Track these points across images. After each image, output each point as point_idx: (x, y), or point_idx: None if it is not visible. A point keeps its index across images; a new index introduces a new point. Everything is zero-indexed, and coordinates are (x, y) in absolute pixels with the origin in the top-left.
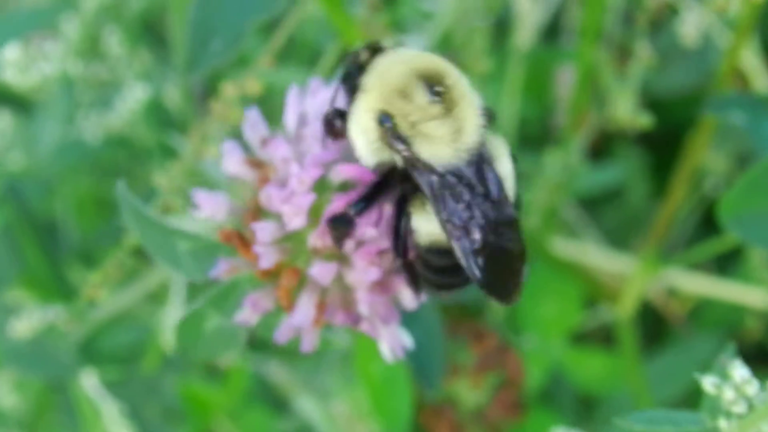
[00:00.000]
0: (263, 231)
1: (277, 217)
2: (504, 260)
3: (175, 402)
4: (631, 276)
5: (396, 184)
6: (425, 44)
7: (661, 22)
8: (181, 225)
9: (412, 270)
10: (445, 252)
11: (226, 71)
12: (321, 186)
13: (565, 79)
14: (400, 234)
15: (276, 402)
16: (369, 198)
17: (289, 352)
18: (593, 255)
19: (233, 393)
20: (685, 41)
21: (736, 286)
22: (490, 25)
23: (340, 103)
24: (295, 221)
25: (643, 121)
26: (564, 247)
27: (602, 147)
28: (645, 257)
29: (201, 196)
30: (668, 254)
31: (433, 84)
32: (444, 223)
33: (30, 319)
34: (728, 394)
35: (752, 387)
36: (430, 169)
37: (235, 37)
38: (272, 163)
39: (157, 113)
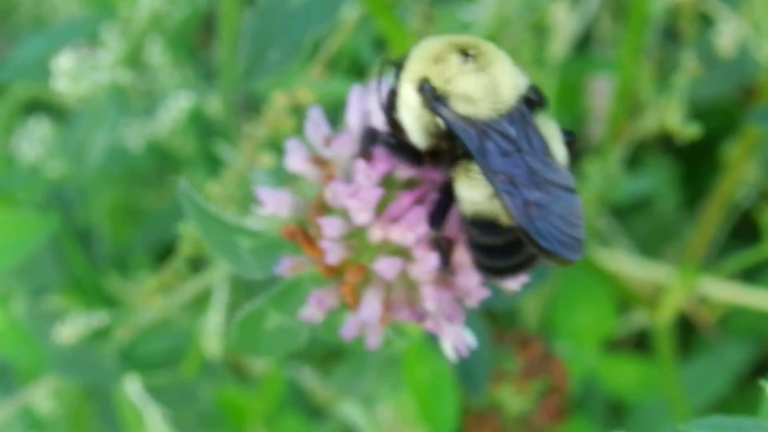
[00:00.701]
0: (330, 226)
1: (343, 213)
2: (559, 216)
3: (211, 408)
4: (670, 286)
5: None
6: None
7: (694, 31)
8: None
9: (444, 248)
10: (491, 226)
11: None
12: (388, 182)
13: (599, 89)
14: (441, 204)
15: (311, 408)
16: (402, 146)
17: (325, 359)
18: (625, 263)
19: (268, 399)
20: (721, 52)
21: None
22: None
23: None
24: (362, 216)
25: (692, 130)
26: (597, 255)
27: (633, 155)
28: (684, 269)
29: (265, 193)
30: (700, 261)
31: (467, 49)
32: (491, 176)
33: (74, 325)
34: None
35: None
36: (470, 123)
37: (294, 48)
38: (336, 160)
39: (200, 122)
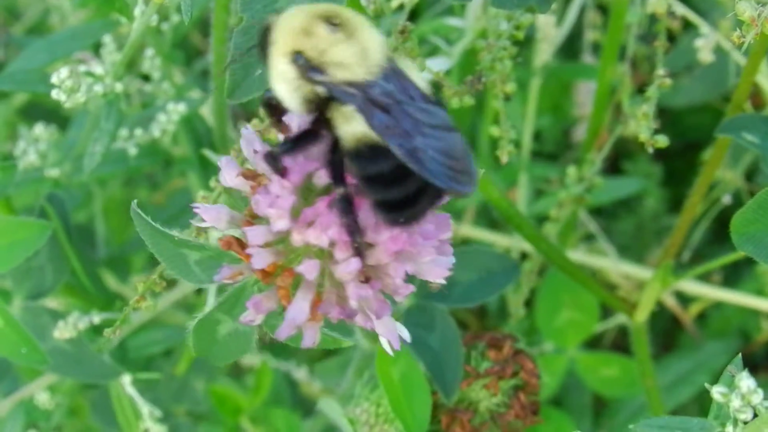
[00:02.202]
0: (253, 234)
1: (267, 221)
2: (446, 155)
3: (204, 402)
4: (647, 286)
5: (324, 128)
6: (449, 64)
7: (679, 35)
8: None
9: (350, 202)
10: (374, 149)
11: None
12: (307, 190)
13: (585, 94)
14: (335, 160)
15: (305, 403)
16: (295, 140)
17: (316, 357)
18: (609, 263)
19: (261, 394)
20: (701, 59)
21: (747, 295)
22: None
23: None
24: (280, 223)
25: (660, 142)
26: (580, 256)
27: (621, 155)
28: (661, 268)
29: (202, 208)
30: (685, 261)
31: (331, 19)
32: (380, 132)
33: (72, 325)
34: (735, 402)
35: (757, 396)
36: (350, 86)
37: None
38: (267, 172)
39: (194, 128)
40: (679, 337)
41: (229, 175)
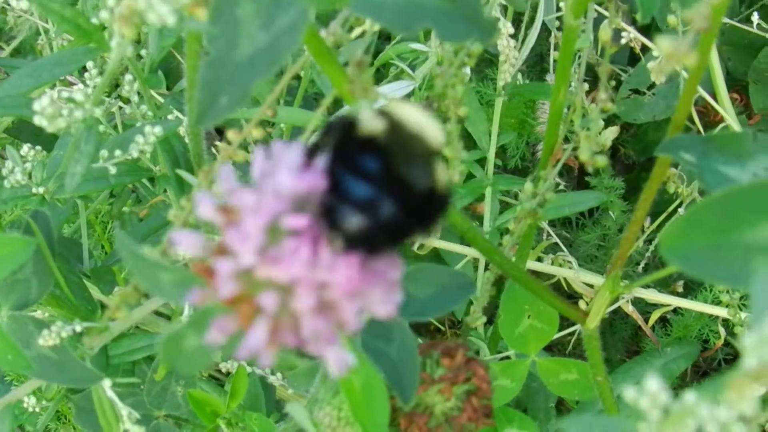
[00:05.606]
0: (222, 266)
1: (235, 255)
2: None
3: (183, 406)
4: (597, 294)
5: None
6: (411, 88)
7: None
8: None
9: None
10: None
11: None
12: (274, 231)
13: (546, 114)
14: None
15: (281, 407)
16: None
17: (290, 367)
18: (570, 273)
19: (237, 398)
20: (654, 80)
21: (701, 303)
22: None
23: None
24: (247, 258)
25: (600, 162)
26: (543, 266)
27: (587, 170)
28: (609, 278)
29: (178, 235)
30: (644, 269)
31: None
32: None
33: (56, 333)
34: (644, 402)
35: (663, 397)
36: None
37: (241, 94)
38: (237, 209)
39: (170, 148)
40: (643, 343)
41: (206, 209)
